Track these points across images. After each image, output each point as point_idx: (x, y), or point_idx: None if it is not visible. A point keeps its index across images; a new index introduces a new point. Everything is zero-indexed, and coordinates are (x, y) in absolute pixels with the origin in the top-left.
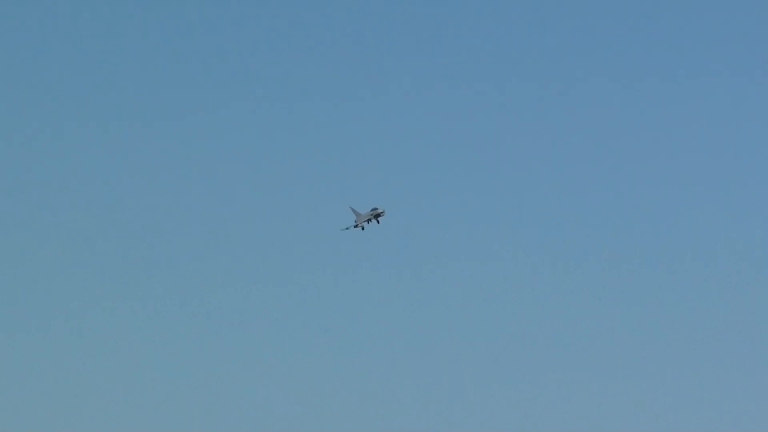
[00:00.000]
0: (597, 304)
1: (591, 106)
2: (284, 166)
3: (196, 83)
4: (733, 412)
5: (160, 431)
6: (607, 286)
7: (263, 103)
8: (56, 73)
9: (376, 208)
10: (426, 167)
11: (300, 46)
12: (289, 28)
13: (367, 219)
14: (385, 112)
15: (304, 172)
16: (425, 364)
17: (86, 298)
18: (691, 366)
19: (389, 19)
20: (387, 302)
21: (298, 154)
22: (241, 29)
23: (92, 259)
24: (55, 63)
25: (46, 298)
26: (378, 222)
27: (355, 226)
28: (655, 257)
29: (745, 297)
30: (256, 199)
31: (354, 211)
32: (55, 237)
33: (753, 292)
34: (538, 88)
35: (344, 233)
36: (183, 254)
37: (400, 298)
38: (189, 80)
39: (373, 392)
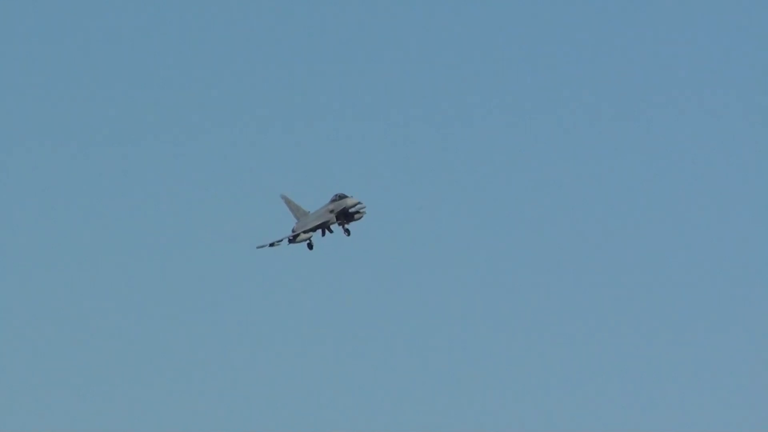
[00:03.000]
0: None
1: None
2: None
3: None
4: (732, 411)
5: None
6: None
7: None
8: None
9: (342, 196)
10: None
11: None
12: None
13: (319, 223)
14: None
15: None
16: (422, 364)
17: (85, 298)
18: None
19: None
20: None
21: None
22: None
23: (91, 258)
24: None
25: (45, 298)
26: (347, 230)
27: (293, 239)
28: (659, 262)
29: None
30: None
31: (288, 203)
32: (54, 237)
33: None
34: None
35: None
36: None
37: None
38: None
39: (372, 392)
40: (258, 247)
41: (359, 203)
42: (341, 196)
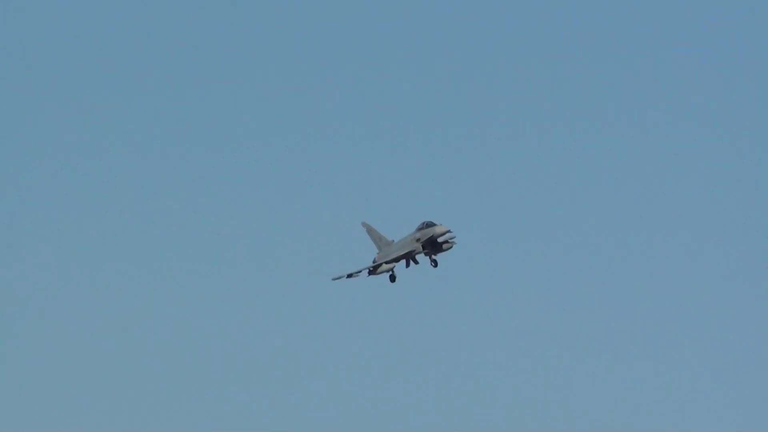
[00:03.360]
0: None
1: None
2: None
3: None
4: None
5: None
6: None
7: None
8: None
9: (430, 224)
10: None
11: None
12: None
13: (403, 253)
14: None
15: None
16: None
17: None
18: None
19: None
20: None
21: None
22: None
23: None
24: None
25: (46, 298)
26: (434, 261)
27: (374, 270)
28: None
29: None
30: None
31: (370, 231)
32: (56, 238)
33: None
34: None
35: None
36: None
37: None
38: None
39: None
40: (334, 279)
41: (449, 232)
42: (429, 224)
